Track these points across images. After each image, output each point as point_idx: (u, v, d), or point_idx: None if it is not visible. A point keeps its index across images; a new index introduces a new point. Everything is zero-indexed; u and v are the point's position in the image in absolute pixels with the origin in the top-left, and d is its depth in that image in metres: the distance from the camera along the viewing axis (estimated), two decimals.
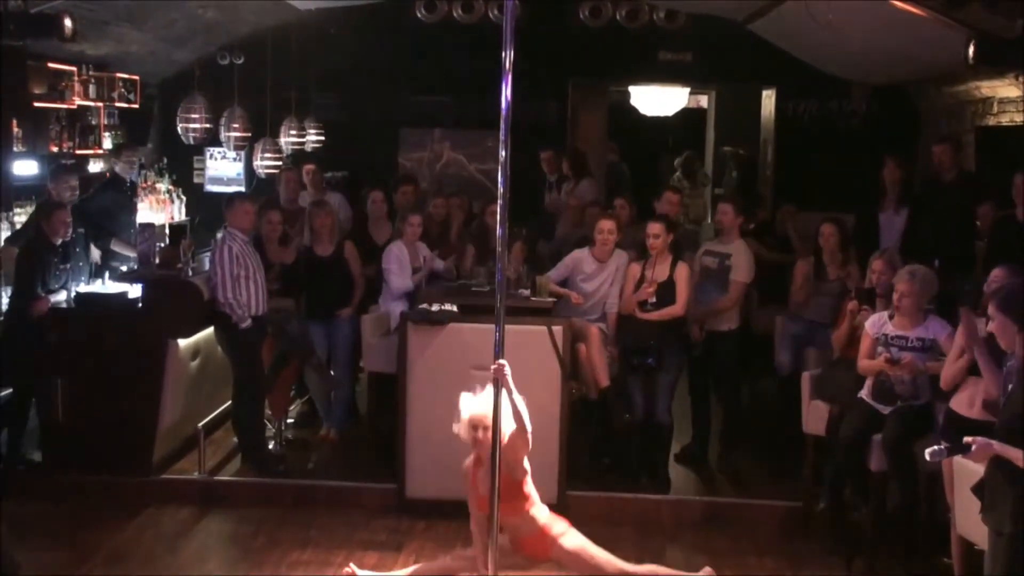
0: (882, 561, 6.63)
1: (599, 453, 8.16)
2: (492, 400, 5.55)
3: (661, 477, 7.88)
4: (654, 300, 7.82)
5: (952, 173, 8.73)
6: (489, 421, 5.59)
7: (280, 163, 10.64)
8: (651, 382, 7.87)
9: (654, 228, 7.87)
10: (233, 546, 7.16)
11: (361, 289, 8.79)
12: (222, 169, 11.57)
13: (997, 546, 4.34)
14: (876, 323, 6.78)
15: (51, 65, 9.45)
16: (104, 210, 9.27)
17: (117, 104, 10.68)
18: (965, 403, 5.78)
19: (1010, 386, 4.72)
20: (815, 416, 7.37)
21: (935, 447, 4.33)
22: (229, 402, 8.36)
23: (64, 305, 7.98)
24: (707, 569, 6.09)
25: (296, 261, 8.63)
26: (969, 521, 5.13)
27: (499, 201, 5.80)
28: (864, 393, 6.82)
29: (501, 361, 5.48)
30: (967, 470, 4.86)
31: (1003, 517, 4.00)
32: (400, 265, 8.48)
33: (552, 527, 5.87)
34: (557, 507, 7.22)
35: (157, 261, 8.49)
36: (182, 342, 7.82)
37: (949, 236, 8.43)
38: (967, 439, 4.31)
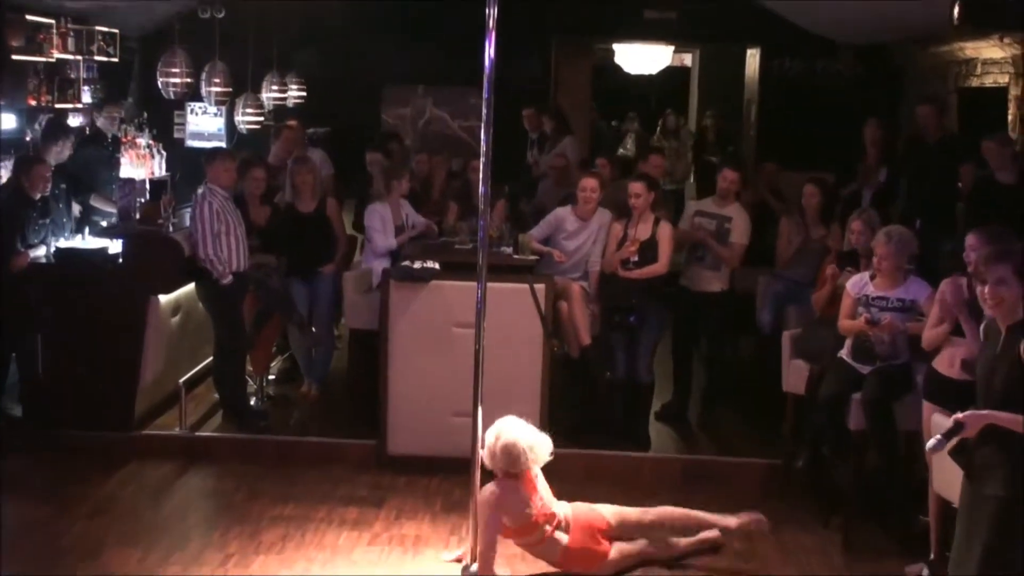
0: (860, 519, 6.69)
1: (580, 411, 8.18)
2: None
3: (642, 435, 7.92)
4: (636, 259, 7.83)
5: (935, 135, 8.74)
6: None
7: (262, 119, 10.57)
8: (633, 340, 7.90)
9: (635, 187, 7.87)
10: (215, 501, 7.18)
11: (343, 246, 8.76)
12: (203, 124, 11.45)
13: (982, 509, 4.35)
14: (857, 283, 6.81)
15: (29, 17, 9.33)
16: (84, 165, 9.19)
17: (96, 58, 10.56)
18: (946, 362, 5.82)
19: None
20: (795, 375, 7.41)
21: (933, 441, 4.35)
22: (210, 358, 8.35)
23: (43, 260, 7.94)
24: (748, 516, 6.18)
25: (277, 217, 8.60)
26: (946, 480, 5.18)
27: (482, 159, 5.80)
28: (844, 353, 6.85)
29: None
30: (946, 428, 4.89)
31: (995, 482, 4.02)
32: (383, 223, 8.45)
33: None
34: None
35: (137, 217, 8.46)
36: (163, 298, 7.80)
37: (931, 197, 8.46)
38: (956, 417, 4.33)
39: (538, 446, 5.84)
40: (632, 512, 6.07)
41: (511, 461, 5.75)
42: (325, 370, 8.87)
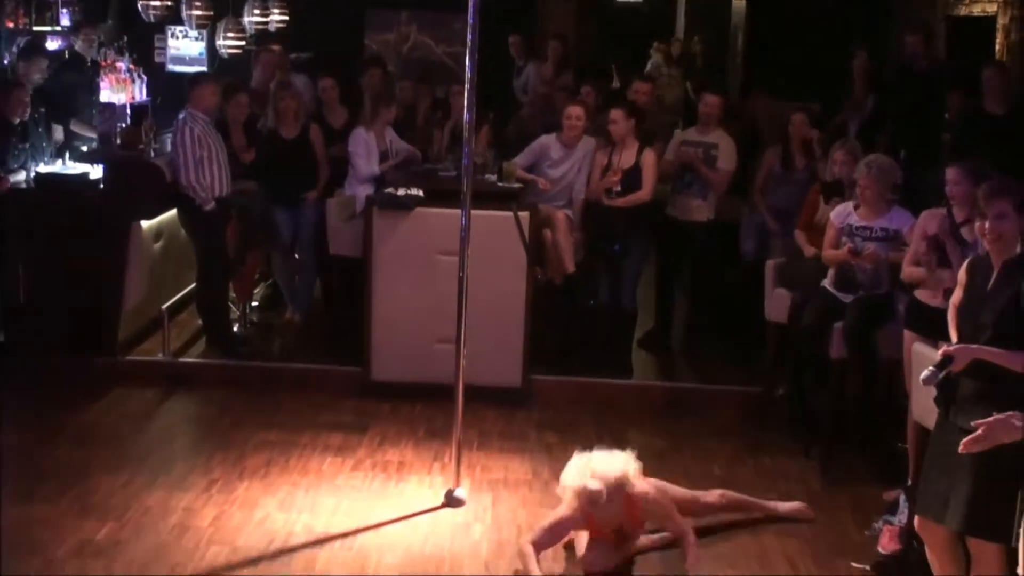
0: (839, 446, 6.76)
1: (563, 338, 8.21)
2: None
3: (624, 362, 7.97)
4: (619, 188, 7.81)
5: (923, 64, 8.70)
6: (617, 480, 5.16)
7: (243, 43, 10.42)
8: (616, 269, 7.91)
9: (614, 114, 7.84)
10: (199, 427, 7.21)
11: (326, 172, 8.71)
12: (184, 48, 11.31)
13: (958, 439, 4.37)
14: (841, 213, 6.81)
15: None
16: (63, 89, 9.10)
17: None
18: (929, 291, 5.83)
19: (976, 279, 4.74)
20: (778, 304, 7.43)
21: (926, 373, 4.35)
22: (193, 284, 8.34)
23: (24, 185, 7.88)
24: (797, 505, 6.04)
25: (259, 144, 8.53)
26: (925, 408, 5.22)
27: (467, 85, 5.75)
28: (826, 282, 6.87)
29: None
30: (927, 359, 4.92)
31: (977, 417, 4.04)
32: (367, 150, 8.38)
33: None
34: (520, 390, 7.34)
35: (119, 142, 8.37)
36: (145, 224, 7.76)
37: (917, 127, 8.44)
38: (945, 349, 4.34)
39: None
40: (690, 495, 5.73)
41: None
42: (308, 297, 8.87)
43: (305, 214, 8.58)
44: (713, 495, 5.81)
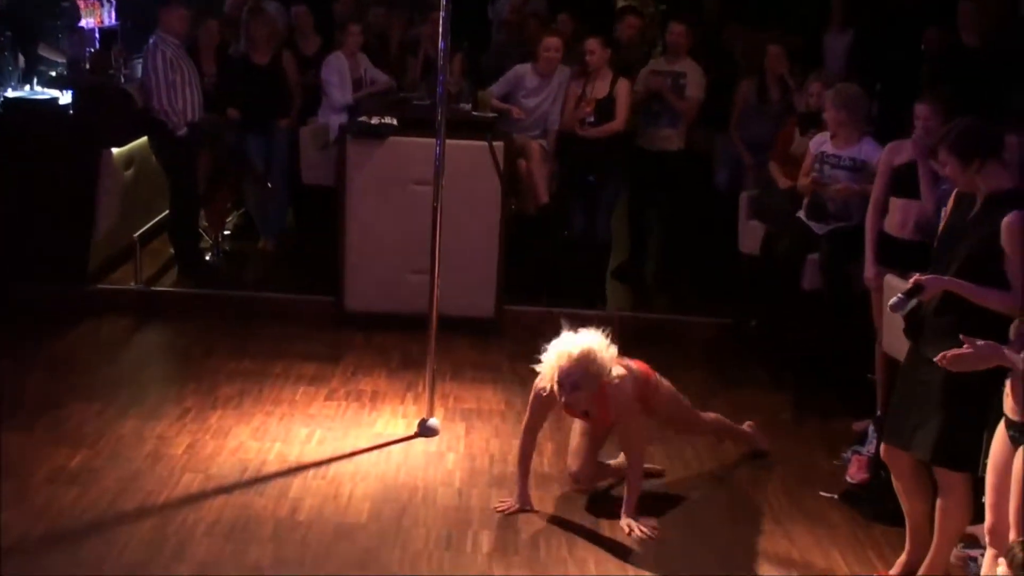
0: (809, 377, 6.83)
1: (536, 268, 8.22)
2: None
3: (597, 293, 7.99)
4: (592, 118, 7.78)
5: None
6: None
7: None
8: (590, 199, 7.90)
9: (590, 44, 7.78)
10: (172, 355, 7.20)
11: (298, 100, 8.62)
12: None
13: (932, 375, 4.40)
14: (818, 141, 6.80)
15: None
16: (31, 12, 8.92)
17: None
18: (897, 223, 5.84)
19: (943, 209, 4.75)
20: (751, 235, 7.46)
21: (894, 299, 4.35)
22: (165, 212, 8.27)
23: None
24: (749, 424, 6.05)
25: (230, 69, 8.42)
26: (894, 339, 5.27)
27: (441, 12, 5.68)
28: (800, 213, 6.89)
29: None
30: (897, 291, 4.94)
31: (945, 349, 4.05)
32: (340, 77, 8.30)
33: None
34: (493, 320, 7.36)
35: (88, 67, 8.25)
36: (115, 151, 7.68)
37: (894, 59, 8.40)
38: (916, 278, 4.34)
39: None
40: (688, 406, 5.62)
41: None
42: (281, 225, 8.83)
43: (277, 142, 8.51)
44: (710, 416, 5.79)
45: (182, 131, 7.64)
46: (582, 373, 4.97)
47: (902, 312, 4.36)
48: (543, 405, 5.23)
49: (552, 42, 7.89)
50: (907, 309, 4.32)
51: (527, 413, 5.31)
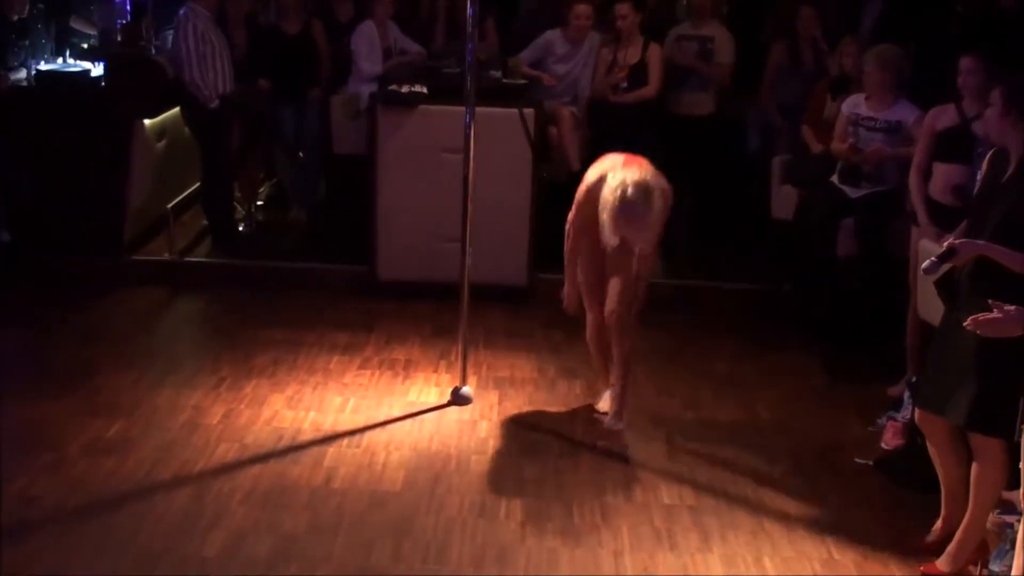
0: (843, 342, 6.79)
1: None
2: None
3: None
4: (625, 84, 7.72)
5: None
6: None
7: None
8: None
9: (621, 9, 7.71)
10: (206, 326, 7.25)
11: (329, 69, 8.61)
12: None
13: (960, 340, 4.36)
14: (852, 102, 6.73)
15: None
16: None
17: None
18: (939, 188, 5.79)
19: (979, 173, 4.70)
20: (784, 201, 7.41)
21: (928, 263, 4.31)
22: (198, 184, 8.31)
23: (25, 83, 7.81)
24: None
25: (260, 39, 8.42)
26: (929, 305, 5.23)
27: None
28: (834, 177, 6.83)
29: None
30: (930, 255, 4.90)
31: (975, 312, 4.01)
32: (370, 46, 8.27)
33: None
34: (526, 289, 7.35)
35: (119, 38, 8.27)
36: (148, 122, 7.71)
37: (927, 19, 8.28)
38: (950, 242, 4.29)
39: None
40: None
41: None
42: (313, 195, 8.84)
43: (308, 111, 8.50)
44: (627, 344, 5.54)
45: (214, 103, 7.65)
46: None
47: (934, 276, 4.32)
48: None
49: (583, 9, 7.82)
50: (939, 273, 4.28)
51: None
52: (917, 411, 4.73)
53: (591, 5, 7.94)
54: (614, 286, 5.48)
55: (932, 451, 4.68)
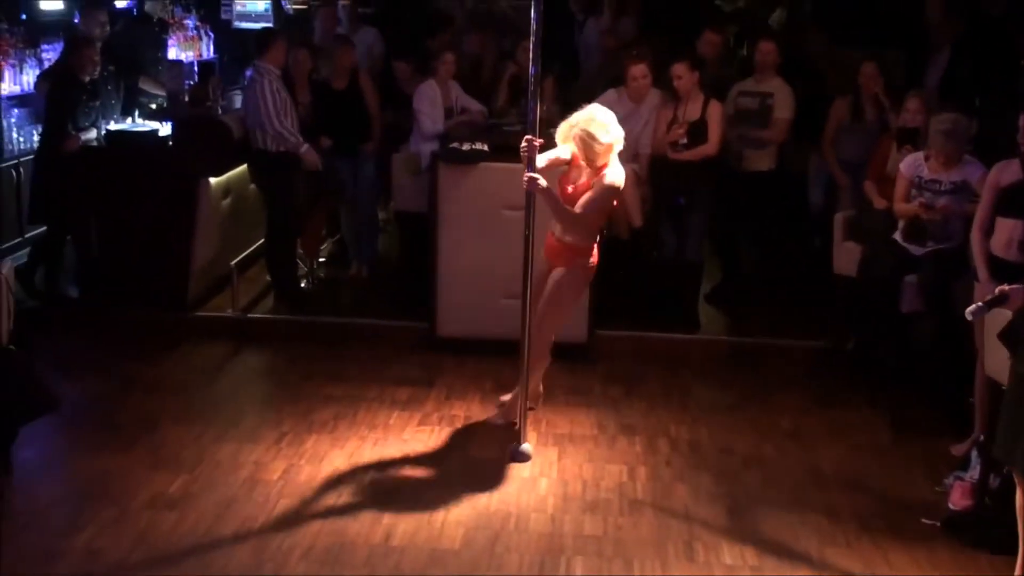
0: (908, 399, 6.69)
1: (629, 292, 8.17)
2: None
3: (691, 316, 7.92)
4: (685, 140, 7.73)
5: (999, 7, 8.48)
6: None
7: None
8: (682, 222, 7.85)
9: (677, 69, 7.71)
10: (268, 380, 7.30)
11: (379, 122, 8.68)
12: (250, 5, 11.36)
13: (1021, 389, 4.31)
14: (911, 164, 6.69)
15: None
16: (132, 47, 9.18)
17: None
18: (1003, 244, 5.71)
19: None
20: (846, 257, 7.34)
21: (973, 306, 4.26)
22: (261, 241, 8.41)
23: (95, 143, 7.99)
24: None
25: (316, 95, 8.54)
26: (996, 362, 5.15)
27: (532, 38, 5.70)
28: (897, 235, 6.77)
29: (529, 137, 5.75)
30: (999, 311, 4.84)
31: None
32: (432, 105, 8.33)
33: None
34: (585, 345, 7.33)
35: (187, 99, 8.44)
36: (213, 180, 7.83)
37: (992, 73, 8.23)
38: (1001, 288, 4.24)
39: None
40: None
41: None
42: (373, 251, 8.91)
43: (363, 166, 8.59)
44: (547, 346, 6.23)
45: (304, 148, 7.76)
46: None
47: (978, 318, 4.28)
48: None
49: (638, 69, 7.82)
50: (984, 314, 4.25)
51: None
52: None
53: (646, 63, 7.94)
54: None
55: (1019, 503, 4.57)
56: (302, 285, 8.50)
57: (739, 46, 9.32)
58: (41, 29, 9.44)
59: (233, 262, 8.14)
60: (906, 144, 7.10)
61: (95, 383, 6.83)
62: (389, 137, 8.70)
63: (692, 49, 8.37)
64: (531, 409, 6.24)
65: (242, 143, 7.86)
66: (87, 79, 7.92)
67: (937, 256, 6.57)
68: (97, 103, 8.09)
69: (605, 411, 6.63)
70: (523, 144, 5.74)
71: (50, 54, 9.19)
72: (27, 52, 9.19)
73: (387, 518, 5.25)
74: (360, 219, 8.76)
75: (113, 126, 8.17)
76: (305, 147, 7.80)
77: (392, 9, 11.15)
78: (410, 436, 6.22)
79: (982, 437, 5.61)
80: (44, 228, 8.31)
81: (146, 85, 9.16)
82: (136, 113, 8.62)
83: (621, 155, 7.82)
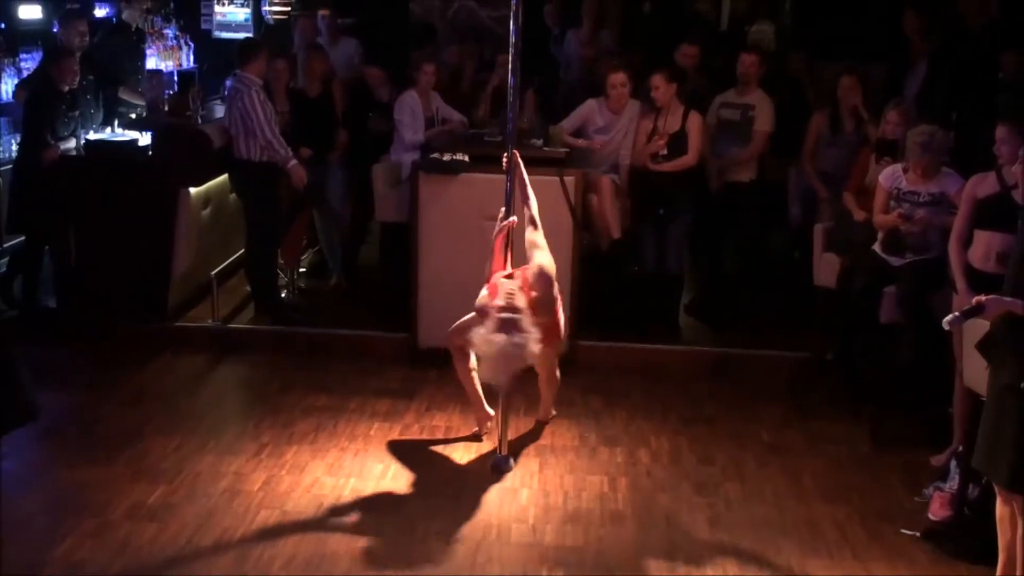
0: (888, 410, 6.72)
1: (609, 304, 8.18)
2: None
3: (671, 328, 7.94)
4: (665, 152, 7.75)
5: (978, 21, 8.53)
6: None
7: (288, 8, 10.43)
8: (662, 233, 7.87)
9: (655, 80, 7.75)
10: (249, 391, 7.27)
11: (343, 131, 8.67)
12: (230, 14, 11.34)
13: (1003, 401, 4.34)
14: (890, 176, 6.74)
15: None
16: (111, 57, 9.14)
17: None
18: (980, 255, 5.75)
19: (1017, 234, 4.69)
20: (826, 268, 7.38)
21: (951, 316, 4.30)
22: (242, 251, 8.39)
23: (74, 153, 7.96)
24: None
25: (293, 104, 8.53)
26: (975, 373, 5.18)
27: (511, 50, 5.72)
28: (876, 246, 6.81)
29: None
30: (977, 322, 4.87)
31: (1013, 371, 3.98)
32: (413, 116, 8.34)
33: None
34: (567, 357, 7.32)
35: (166, 108, 8.42)
36: (193, 190, 7.80)
37: (970, 87, 8.28)
38: (978, 298, 4.28)
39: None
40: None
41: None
42: (346, 260, 8.89)
43: (332, 173, 8.59)
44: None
45: (292, 163, 7.73)
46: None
47: (954, 327, 4.33)
48: None
49: (618, 77, 7.86)
50: (960, 324, 4.30)
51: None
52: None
53: (626, 73, 7.96)
54: None
55: (1002, 512, 4.60)
56: (283, 295, 8.48)
57: (717, 57, 9.33)
58: (19, 37, 9.40)
59: (213, 272, 8.11)
60: (885, 156, 7.15)
61: (74, 393, 6.80)
62: (367, 145, 8.70)
63: (671, 61, 8.41)
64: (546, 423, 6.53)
65: (222, 153, 7.83)
66: (66, 89, 7.89)
67: (915, 267, 6.61)
68: (77, 113, 8.06)
69: (586, 422, 6.64)
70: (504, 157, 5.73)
71: (28, 63, 9.14)
72: (5, 61, 9.15)
73: (368, 528, 5.24)
74: (330, 227, 8.75)
75: (92, 136, 8.14)
76: (293, 162, 7.76)
77: (373, 20, 11.15)
78: (391, 447, 6.21)
79: (961, 448, 5.64)
80: (23, 238, 8.27)
81: (126, 95, 9.13)
82: (116, 123, 8.58)
83: (600, 165, 7.92)
